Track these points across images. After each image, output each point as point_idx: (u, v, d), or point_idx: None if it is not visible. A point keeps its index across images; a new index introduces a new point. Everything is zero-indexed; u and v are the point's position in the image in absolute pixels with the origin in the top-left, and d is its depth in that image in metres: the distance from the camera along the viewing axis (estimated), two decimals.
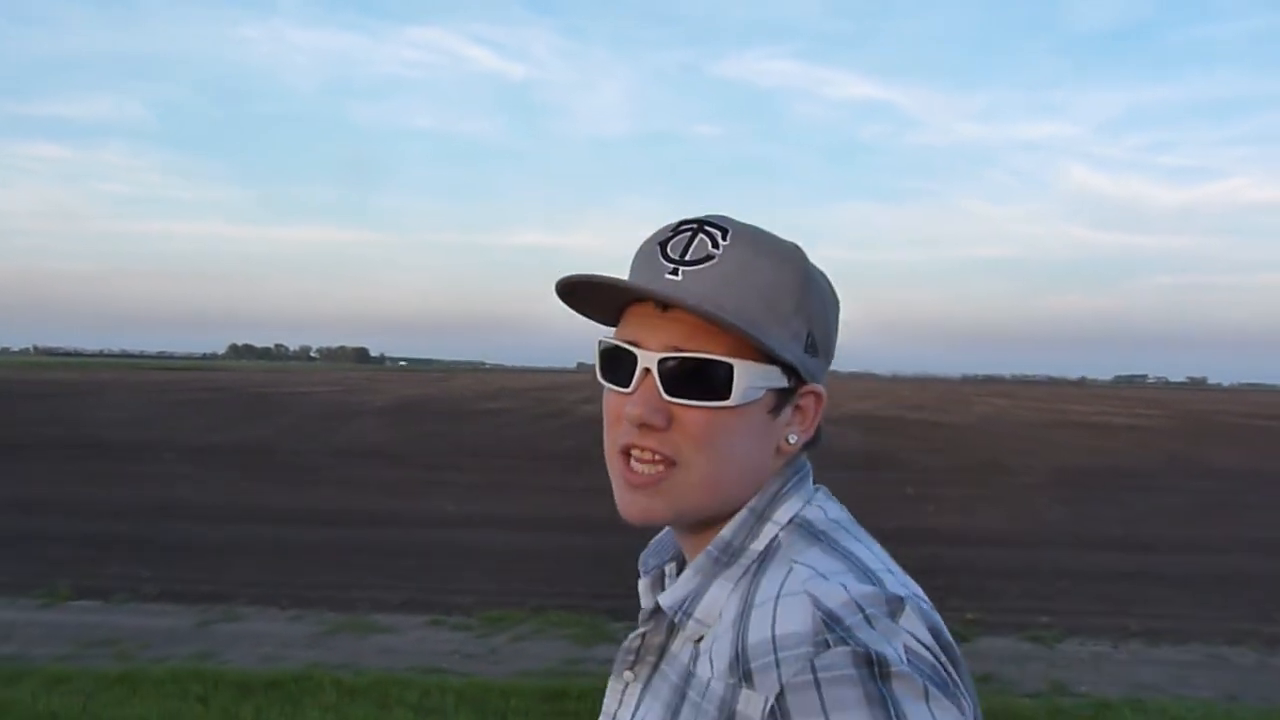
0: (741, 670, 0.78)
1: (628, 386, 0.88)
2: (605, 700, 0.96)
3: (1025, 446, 25.13)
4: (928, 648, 0.77)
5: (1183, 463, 21.58)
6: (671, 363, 0.86)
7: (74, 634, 6.72)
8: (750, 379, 0.86)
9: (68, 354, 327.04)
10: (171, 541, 9.92)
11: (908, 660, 0.75)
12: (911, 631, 0.78)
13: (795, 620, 0.77)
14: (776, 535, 0.88)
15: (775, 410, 0.89)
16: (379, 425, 27.15)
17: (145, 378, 70.88)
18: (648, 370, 0.87)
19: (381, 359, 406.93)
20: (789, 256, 0.89)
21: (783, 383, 0.88)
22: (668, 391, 0.86)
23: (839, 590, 0.78)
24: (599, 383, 0.93)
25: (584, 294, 0.91)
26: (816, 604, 0.77)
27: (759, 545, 0.87)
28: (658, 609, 0.90)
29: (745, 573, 0.86)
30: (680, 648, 0.88)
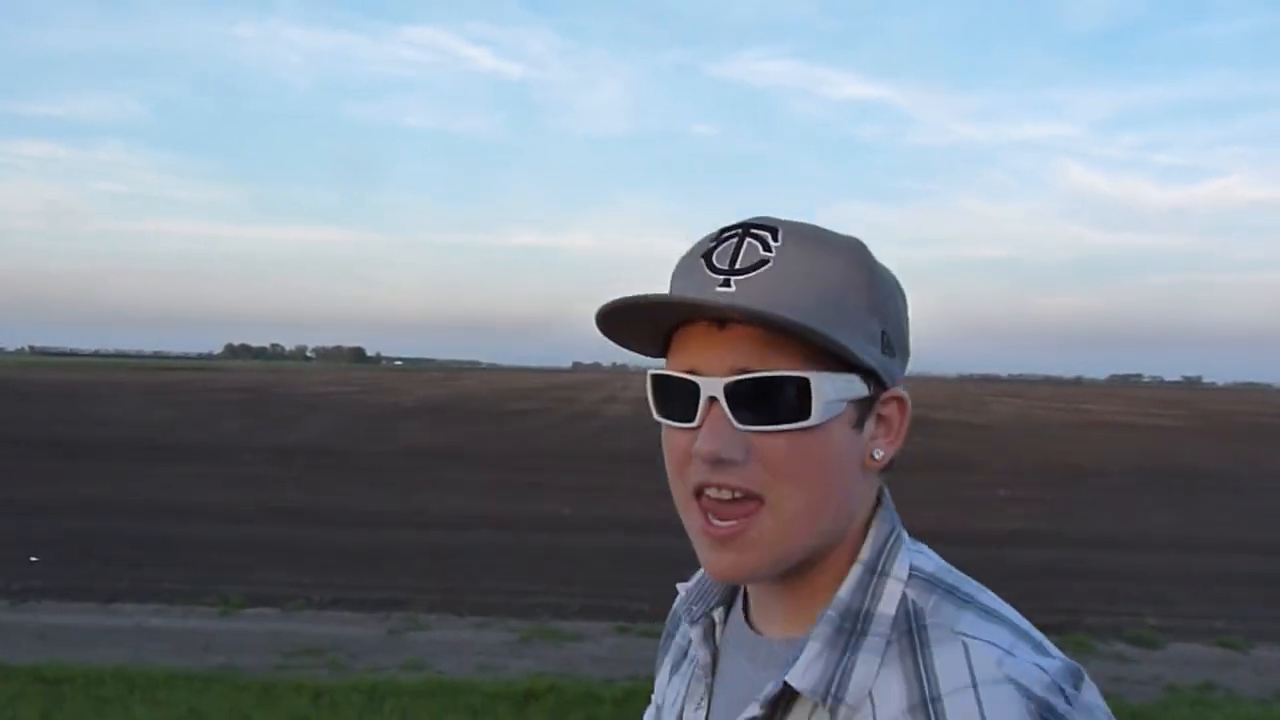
0: None
1: (692, 420, 0.77)
2: None
3: (1078, 447, 25.11)
4: (1107, 715, 0.74)
5: (1253, 464, 21.55)
6: (740, 386, 0.75)
7: (270, 643, 6.59)
8: (830, 392, 0.76)
9: (63, 354, 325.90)
10: (314, 546, 9.80)
11: None
12: (1097, 705, 0.73)
13: (1008, 713, 0.69)
14: (903, 594, 0.78)
15: (859, 424, 0.79)
16: (426, 426, 27.02)
17: (155, 378, 70.64)
18: (714, 399, 0.76)
19: (378, 358, 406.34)
20: (852, 250, 0.79)
21: (864, 391, 0.78)
22: (739, 420, 0.76)
23: (1035, 671, 0.72)
24: (657, 421, 0.82)
25: (624, 321, 0.79)
26: (1026, 694, 0.70)
27: (889, 609, 0.78)
28: (784, 692, 0.77)
29: (890, 644, 0.76)
30: None
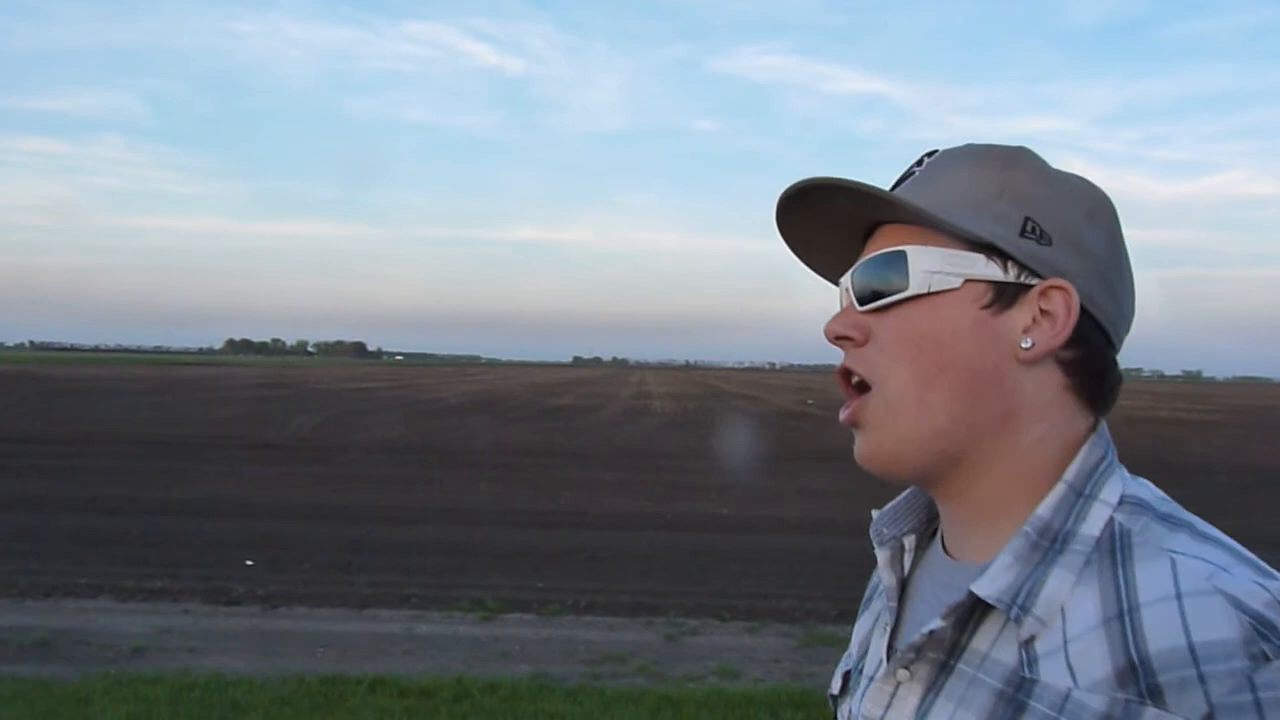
0: (1142, 684, 0.64)
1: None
2: (863, 707, 0.81)
3: (1150, 444, 25.01)
4: None
5: None
6: (858, 269, 0.80)
7: (557, 649, 6.47)
8: (929, 262, 0.76)
9: (63, 349, 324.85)
10: (510, 548, 9.67)
11: None
12: None
13: (1216, 625, 0.64)
14: (1111, 518, 0.73)
15: (995, 307, 0.76)
16: (494, 423, 26.83)
17: (172, 374, 70.52)
18: (847, 290, 0.81)
19: (378, 353, 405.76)
20: (992, 152, 0.80)
21: (994, 271, 0.76)
22: (861, 303, 0.79)
23: (1254, 587, 0.65)
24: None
25: (806, 233, 0.84)
26: (1238, 605, 0.64)
27: (1092, 530, 0.73)
28: (967, 602, 0.73)
29: (1089, 563, 0.71)
30: (994, 646, 0.73)
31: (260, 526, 10.43)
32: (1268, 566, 0.70)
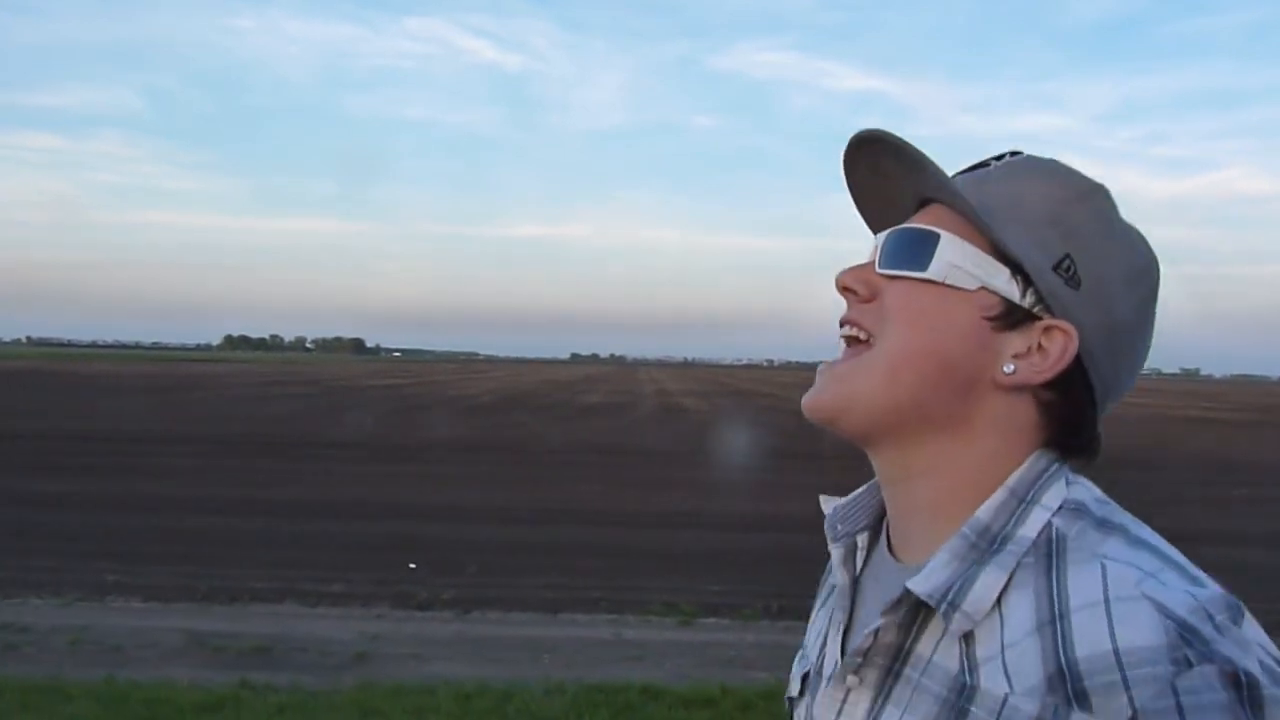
0: (1069, 689, 0.66)
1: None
2: (815, 711, 0.82)
3: (1200, 445, 25.04)
4: (1277, 660, 0.67)
5: None
6: (891, 235, 0.81)
7: (776, 655, 6.36)
8: (955, 255, 0.77)
9: (60, 344, 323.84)
10: (668, 548, 9.62)
11: (1271, 679, 0.64)
12: (1259, 641, 0.67)
13: (1142, 631, 0.65)
14: (1049, 521, 0.75)
15: (998, 323, 0.77)
16: (546, 421, 26.77)
17: (180, 370, 70.45)
18: (877, 247, 0.82)
19: (377, 350, 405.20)
20: (1068, 179, 0.80)
21: (1011, 290, 0.76)
22: (881, 264, 0.80)
23: (1181, 595, 0.67)
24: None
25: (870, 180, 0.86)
26: (1164, 611, 0.66)
27: (1029, 532, 0.74)
28: (903, 599, 0.75)
29: (1023, 566, 0.73)
30: (935, 650, 0.74)
31: (396, 527, 10.34)
32: (1198, 571, 0.71)
